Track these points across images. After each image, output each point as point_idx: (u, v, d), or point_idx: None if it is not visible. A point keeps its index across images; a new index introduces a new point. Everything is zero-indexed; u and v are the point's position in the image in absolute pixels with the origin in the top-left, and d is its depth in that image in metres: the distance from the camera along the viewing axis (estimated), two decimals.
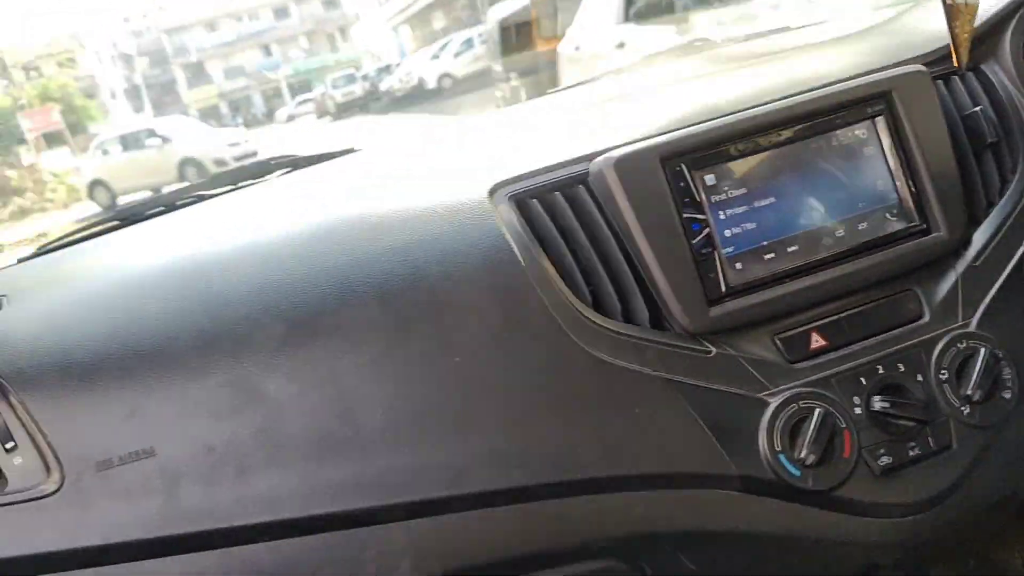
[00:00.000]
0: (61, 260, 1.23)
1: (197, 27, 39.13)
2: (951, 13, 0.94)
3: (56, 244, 1.31)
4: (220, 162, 13.40)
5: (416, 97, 18.72)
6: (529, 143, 1.08)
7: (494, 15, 7.85)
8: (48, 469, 0.84)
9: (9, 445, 0.85)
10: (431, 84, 18.96)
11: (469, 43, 18.31)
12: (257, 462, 0.84)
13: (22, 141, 14.04)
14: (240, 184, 1.34)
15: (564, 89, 1.57)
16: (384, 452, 0.84)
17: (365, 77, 24.65)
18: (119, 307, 0.93)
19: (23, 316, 0.97)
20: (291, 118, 25.02)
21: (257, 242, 0.99)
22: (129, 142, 16.48)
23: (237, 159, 13.37)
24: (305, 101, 25.90)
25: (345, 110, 22.38)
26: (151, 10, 39.79)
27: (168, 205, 1.31)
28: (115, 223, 1.30)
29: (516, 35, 7.16)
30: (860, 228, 0.92)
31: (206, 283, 0.93)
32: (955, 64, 0.97)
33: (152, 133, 16.21)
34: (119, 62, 39.23)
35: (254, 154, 13.17)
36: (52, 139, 16.20)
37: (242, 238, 1.02)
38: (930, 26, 1.05)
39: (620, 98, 1.30)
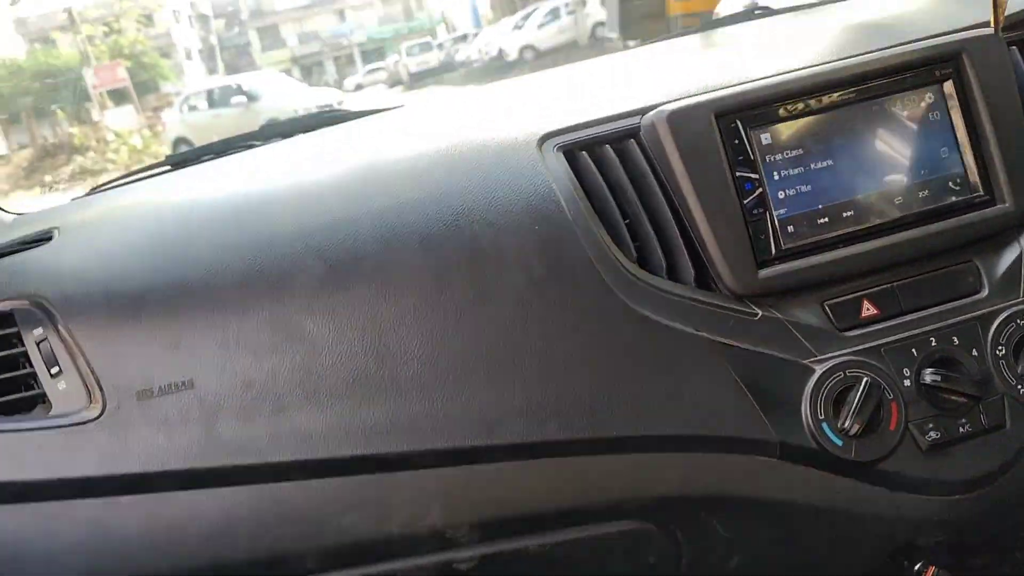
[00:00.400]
0: (112, 199, 1.26)
1: None
2: None
3: (108, 185, 1.34)
4: None
5: (495, 69, 18.22)
6: (581, 96, 1.08)
7: None
8: (91, 395, 0.86)
9: (55, 371, 0.88)
10: (512, 56, 18.45)
11: (555, 13, 17.89)
12: (294, 400, 0.85)
13: (87, 98, 14.13)
14: (290, 134, 1.35)
15: (622, 52, 1.54)
16: (419, 398, 0.84)
17: (441, 46, 24.11)
18: (166, 243, 0.95)
19: (73, 249, 0.99)
20: (359, 87, 24.19)
21: (302, 184, 1.00)
22: (216, 99, 15.83)
23: None
24: (375, 70, 25.48)
25: (419, 80, 21.98)
26: None
27: (219, 152, 1.34)
28: (167, 167, 1.33)
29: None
30: (920, 196, 0.90)
31: (251, 222, 0.94)
32: (991, 24, 0.91)
33: (239, 90, 15.45)
34: (196, 22, 39.61)
35: None
36: (118, 97, 16.27)
37: (287, 180, 1.03)
38: None
39: (675, 57, 1.29)
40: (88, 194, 1.34)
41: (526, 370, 0.85)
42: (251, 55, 37.33)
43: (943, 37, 0.92)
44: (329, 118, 1.37)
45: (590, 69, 1.38)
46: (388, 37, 32.12)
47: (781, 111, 0.88)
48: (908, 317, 0.88)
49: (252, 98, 15.15)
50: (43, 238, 1.05)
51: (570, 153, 0.93)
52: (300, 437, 0.85)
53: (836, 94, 0.89)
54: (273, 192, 1.01)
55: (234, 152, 1.32)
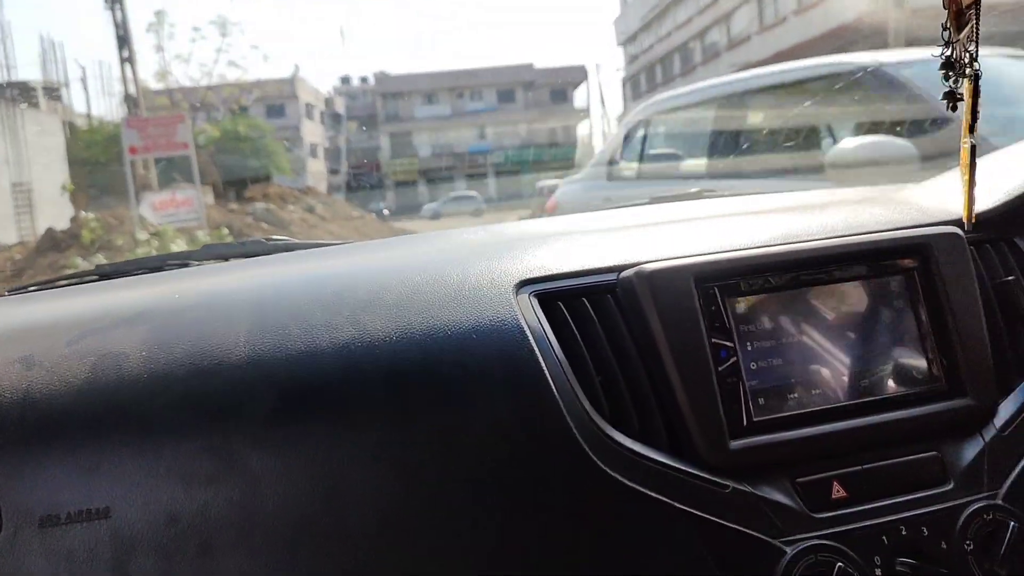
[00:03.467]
0: (31, 303, 1.17)
1: (415, 96, 36.40)
2: (961, 169, 0.94)
3: (27, 288, 1.31)
4: None
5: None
6: (561, 246, 1.06)
7: None
8: None
9: None
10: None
11: None
12: (224, 541, 0.80)
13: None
14: (227, 258, 1.34)
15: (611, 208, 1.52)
16: (369, 549, 0.82)
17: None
18: (96, 353, 0.89)
19: None
20: (436, 215, 21.93)
21: (260, 303, 0.96)
22: None
23: None
24: (462, 198, 23.36)
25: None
26: (371, 74, 37.73)
27: (152, 268, 1.32)
28: (94, 277, 1.31)
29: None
30: (886, 382, 0.92)
31: (197, 340, 0.89)
32: (964, 221, 0.97)
33: None
34: (327, 120, 36.87)
35: None
36: (179, 169, 11.40)
37: (243, 297, 0.99)
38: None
39: (656, 217, 1.30)
40: (6, 294, 1.29)
41: (488, 526, 0.83)
42: (378, 159, 34.13)
43: (913, 230, 0.97)
44: (272, 247, 1.33)
45: (573, 221, 1.35)
46: (528, 160, 30.67)
47: (758, 283, 0.92)
48: (877, 503, 0.87)
49: None
50: None
51: (548, 301, 0.93)
52: None
53: (812, 272, 0.92)
54: (222, 311, 0.96)
55: (168, 269, 1.29)
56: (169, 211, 10.18)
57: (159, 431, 0.81)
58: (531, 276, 0.94)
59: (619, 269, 0.93)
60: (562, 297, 0.92)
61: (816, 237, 0.97)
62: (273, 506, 0.79)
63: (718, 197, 1.46)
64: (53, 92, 16.50)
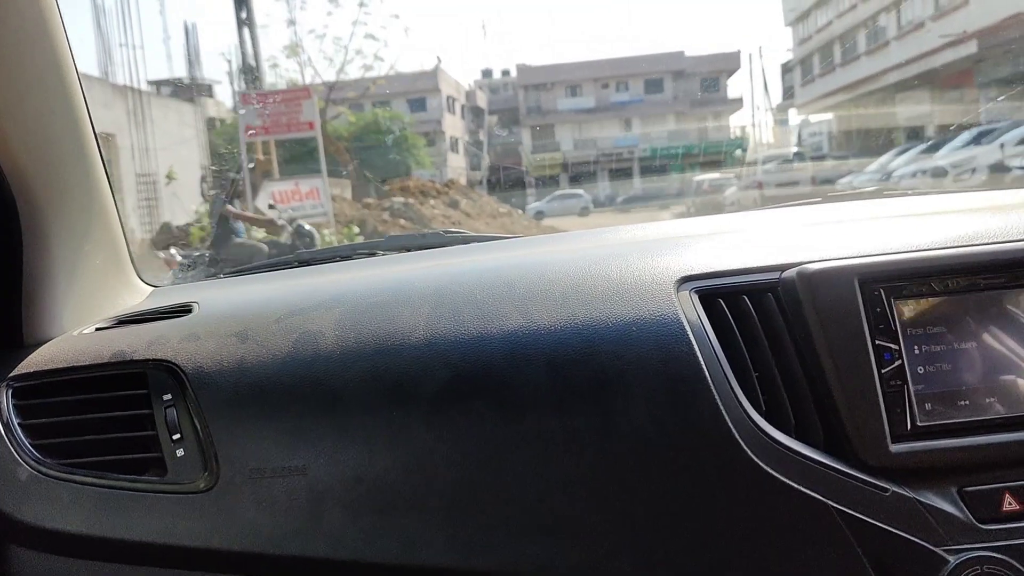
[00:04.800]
0: (246, 283, 1.36)
1: (559, 88, 34.84)
2: None
3: (242, 270, 1.47)
4: None
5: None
6: (722, 244, 1.09)
7: None
8: (206, 466, 0.93)
9: (176, 437, 0.95)
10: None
11: None
12: (401, 502, 0.89)
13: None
14: (410, 249, 1.42)
15: (774, 207, 1.49)
16: (525, 523, 0.88)
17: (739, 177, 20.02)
18: (298, 330, 1.00)
19: (209, 325, 1.07)
20: (539, 215, 20.06)
21: (439, 291, 1.04)
22: None
23: None
24: (568, 196, 21.22)
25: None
26: (513, 66, 36.62)
27: (344, 256, 1.44)
28: (294, 263, 1.43)
29: None
30: None
31: (383, 323, 0.99)
32: None
33: None
34: (468, 114, 35.89)
35: None
36: (303, 155, 9.94)
37: (423, 284, 1.08)
38: None
39: (819, 218, 1.28)
40: (227, 274, 1.47)
41: (639, 511, 0.87)
42: (519, 154, 32.77)
43: None
44: (451, 239, 1.43)
45: (734, 219, 1.36)
46: (677, 153, 27.55)
47: (928, 286, 0.90)
48: None
49: None
50: (183, 310, 1.15)
51: (708, 298, 0.96)
52: (402, 540, 0.89)
53: (987, 276, 0.90)
54: (408, 294, 1.06)
55: (358, 257, 1.41)
56: (292, 204, 8.77)
57: (347, 402, 0.92)
58: (693, 273, 0.97)
59: (782, 268, 0.95)
60: (723, 294, 0.95)
61: (995, 240, 0.95)
62: (443, 473, 0.88)
63: (896, 197, 1.42)
64: (193, 83, 15.83)
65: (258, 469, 0.88)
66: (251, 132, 8.20)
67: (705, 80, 36.91)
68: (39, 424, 0.97)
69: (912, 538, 0.82)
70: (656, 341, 0.89)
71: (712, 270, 0.96)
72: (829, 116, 25.29)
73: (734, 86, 37.34)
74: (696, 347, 0.89)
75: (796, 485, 0.83)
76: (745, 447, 0.84)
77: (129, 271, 1.32)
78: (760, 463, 0.84)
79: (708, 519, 0.85)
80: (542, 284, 0.99)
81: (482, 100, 38.08)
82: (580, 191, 21.81)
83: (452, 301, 0.99)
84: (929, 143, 12.47)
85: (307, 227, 7.50)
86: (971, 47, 15.70)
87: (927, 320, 0.88)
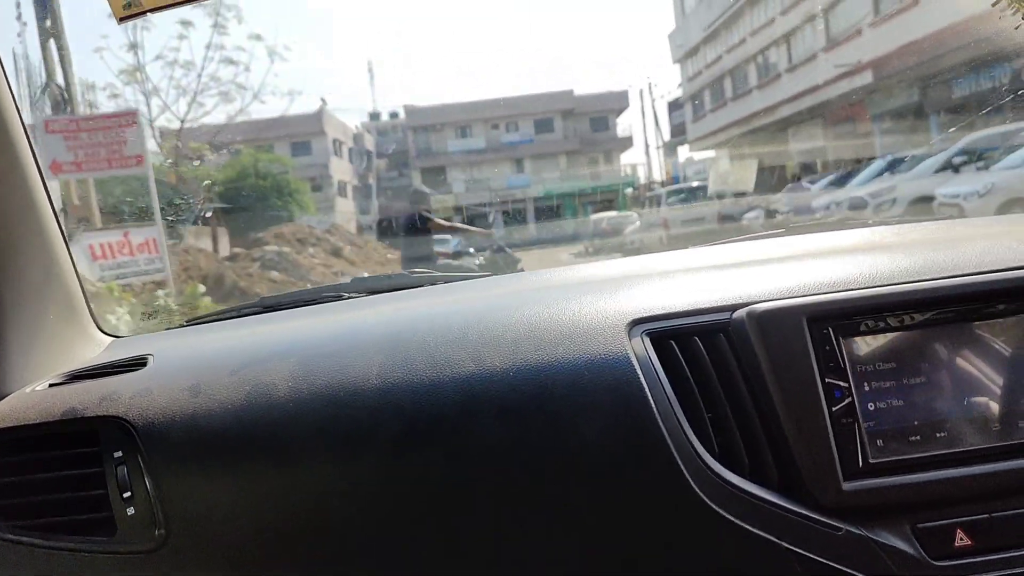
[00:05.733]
0: (205, 333, 1.33)
1: (448, 129, 33.97)
2: None
3: (203, 319, 1.44)
4: None
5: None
6: (672, 285, 1.09)
7: None
8: (156, 523, 0.91)
9: (127, 495, 0.93)
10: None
11: None
12: (353, 553, 0.88)
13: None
14: (376, 291, 1.44)
15: (724, 243, 1.51)
16: (477, 561, 0.87)
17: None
18: (252, 383, 1.00)
19: (163, 378, 1.06)
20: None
21: (394, 338, 1.04)
22: None
23: None
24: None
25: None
26: (401, 108, 35.65)
27: (309, 300, 1.43)
28: (258, 308, 1.42)
29: None
30: (1020, 426, 0.88)
31: (336, 373, 0.99)
32: None
33: None
34: (356, 157, 34.53)
35: None
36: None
37: (379, 332, 1.08)
38: None
39: (766, 254, 1.30)
40: (183, 325, 1.44)
41: (595, 558, 0.86)
42: (428, 200, 31.41)
43: None
44: (416, 280, 1.45)
45: (687, 256, 1.38)
46: (571, 194, 28.51)
47: (877, 322, 0.90)
48: (1005, 554, 0.85)
49: None
50: (138, 363, 1.13)
51: (659, 340, 0.96)
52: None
53: (936, 311, 0.91)
54: (360, 346, 1.05)
55: (324, 301, 1.40)
56: (120, 259, 6.68)
57: (299, 454, 0.92)
58: (644, 315, 0.97)
59: (733, 308, 0.95)
60: (674, 336, 0.95)
61: (943, 275, 0.96)
62: (395, 524, 0.88)
63: (848, 229, 1.44)
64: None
65: (208, 525, 0.89)
66: (61, 168, 6.23)
67: (594, 119, 37.29)
68: None
69: None
70: (608, 385, 0.90)
71: (663, 312, 0.98)
72: (724, 151, 25.43)
73: (624, 124, 37.56)
74: (647, 390, 0.90)
75: (749, 527, 0.85)
76: (697, 490, 0.86)
77: (87, 322, 1.31)
78: (713, 505, 0.85)
79: (662, 563, 0.86)
80: (496, 329, 1.01)
81: (370, 143, 36.96)
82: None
83: (406, 349, 0.99)
84: (840, 173, 12.16)
85: None
86: (866, 77, 15.77)
87: (877, 356, 0.90)
